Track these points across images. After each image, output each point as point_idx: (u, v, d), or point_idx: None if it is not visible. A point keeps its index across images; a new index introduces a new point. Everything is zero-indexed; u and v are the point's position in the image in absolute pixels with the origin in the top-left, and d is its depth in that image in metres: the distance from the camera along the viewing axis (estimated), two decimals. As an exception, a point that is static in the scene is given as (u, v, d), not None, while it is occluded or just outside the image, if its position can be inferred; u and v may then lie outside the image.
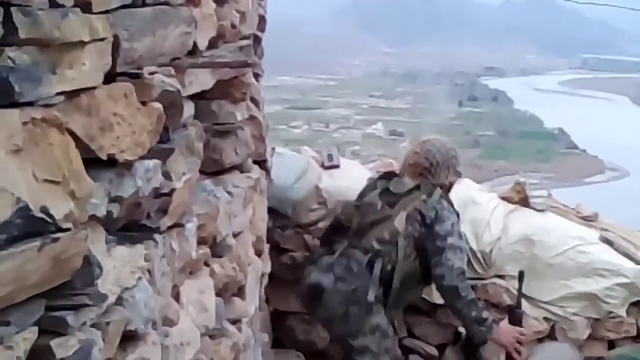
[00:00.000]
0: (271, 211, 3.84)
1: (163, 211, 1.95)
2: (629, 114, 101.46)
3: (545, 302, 4.16)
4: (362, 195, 3.70)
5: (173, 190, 1.99)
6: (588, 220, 4.50)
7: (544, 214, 4.40)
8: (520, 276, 3.71)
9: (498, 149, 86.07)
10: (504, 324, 3.65)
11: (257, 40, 3.17)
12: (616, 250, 4.25)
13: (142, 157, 1.72)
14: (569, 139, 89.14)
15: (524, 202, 4.43)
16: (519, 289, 3.71)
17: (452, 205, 3.61)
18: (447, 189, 3.70)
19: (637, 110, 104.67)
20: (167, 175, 1.95)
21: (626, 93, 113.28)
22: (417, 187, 3.56)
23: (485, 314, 3.48)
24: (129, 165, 1.65)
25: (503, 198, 4.48)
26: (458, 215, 3.63)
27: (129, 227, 1.77)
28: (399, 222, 3.43)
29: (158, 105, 1.77)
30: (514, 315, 3.66)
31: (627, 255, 4.22)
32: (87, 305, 1.46)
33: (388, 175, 3.74)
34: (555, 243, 4.19)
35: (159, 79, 1.79)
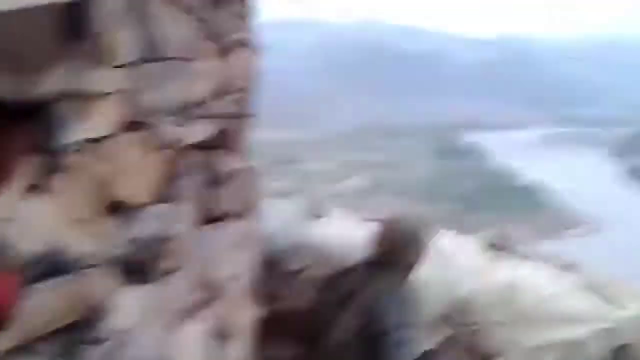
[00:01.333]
0: (262, 259, 3.91)
1: (165, 255, 2.04)
2: (606, 168, 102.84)
3: (528, 350, 4.22)
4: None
5: (175, 235, 2.08)
6: (568, 267, 4.60)
7: (526, 262, 4.50)
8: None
9: (478, 203, 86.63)
10: None
11: (249, 93, 3.30)
12: (597, 296, 4.34)
13: (151, 203, 1.81)
14: (548, 193, 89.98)
15: (507, 250, 4.54)
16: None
17: (405, 291, 3.51)
18: (409, 268, 3.63)
19: (614, 164, 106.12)
20: (171, 221, 2.05)
21: (603, 146, 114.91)
22: (360, 286, 3.51)
23: None
24: (139, 209, 1.75)
25: (485, 246, 4.59)
26: (411, 297, 3.53)
27: (137, 269, 1.86)
28: (347, 325, 3.45)
29: (167, 153, 1.87)
30: None
31: (607, 300, 4.31)
32: (102, 340, 1.54)
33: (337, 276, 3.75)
34: (536, 291, 4.28)
35: (167, 129, 1.90)
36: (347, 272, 3.64)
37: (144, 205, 1.75)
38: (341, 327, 3.44)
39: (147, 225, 1.76)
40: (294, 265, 4.25)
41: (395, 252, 3.51)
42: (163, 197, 1.91)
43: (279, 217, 4.25)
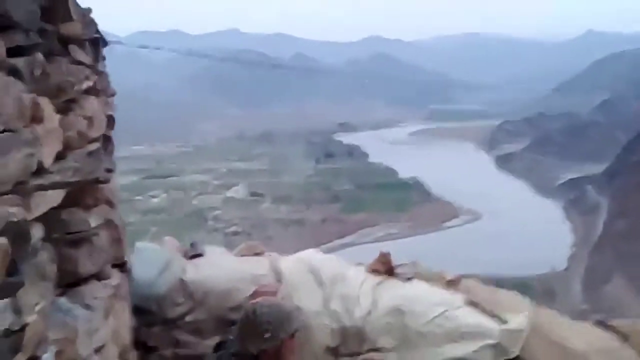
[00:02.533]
0: (136, 309, 3.67)
1: (15, 350, 1.79)
2: (476, 159, 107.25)
3: (422, 371, 4.17)
4: None
5: (25, 325, 1.83)
6: (452, 284, 4.59)
7: (410, 282, 4.45)
8: None
9: (357, 202, 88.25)
10: None
11: (107, 139, 3.05)
12: (480, 311, 4.34)
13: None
14: (423, 187, 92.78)
15: (391, 272, 4.47)
16: None
17: None
18: (268, 354, 3.46)
19: (482, 155, 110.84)
20: (17, 311, 1.80)
21: (471, 139, 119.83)
22: None
23: None
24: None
25: (370, 270, 4.50)
26: None
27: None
28: None
29: (3, 241, 1.63)
30: None
31: (491, 315, 4.32)
32: None
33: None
34: (424, 311, 4.23)
35: (3, 211, 1.66)
36: None
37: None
38: None
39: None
40: (172, 313, 4.00)
41: (250, 340, 3.32)
42: (3, 289, 1.66)
43: (153, 263, 3.99)
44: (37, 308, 1.93)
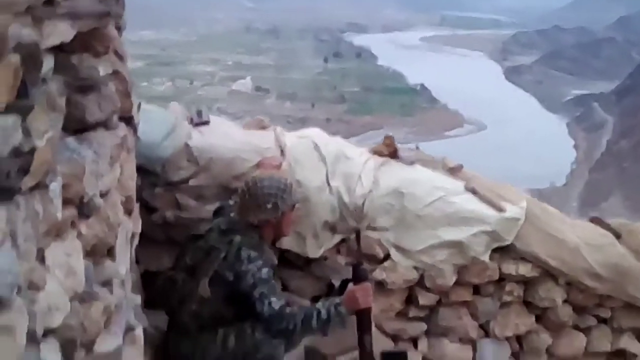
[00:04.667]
0: (139, 169, 3.70)
1: (24, 171, 1.81)
2: (486, 69, 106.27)
3: (415, 252, 4.27)
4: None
5: (34, 148, 1.85)
6: (454, 171, 4.63)
7: (412, 166, 4.49)
8: (358, 235, 3.84)
9: (363, 104, 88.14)
10: (350, 287, 3.60)
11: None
12: (479, 199, 4.41)
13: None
14: (430, 93, 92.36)
15: (394, 155, 4.51)
16: (359, 247, 3.79)
17: (257, 247, 3.50)
18: (270, 224, 3.57)
19: (493, 65, 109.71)
20: (27, 133, 1.81)
21: (482, 49, 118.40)
22: (216, 247, 3.47)
23: (323, 313, 3.34)
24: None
25: (374, 152, 4.54)
26: (265, 253, 3.56)
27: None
28: (203, 289, 3.39)
29: (15, 58, 1.63)
30: (359, 272, 3.66)
31: (489, 203, 4.38)
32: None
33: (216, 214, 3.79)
34: (423, 195, 4.29)
35: (15, 30, 1.65)
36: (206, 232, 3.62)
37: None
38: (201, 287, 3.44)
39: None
40: (175, 176, 4.05)
41: (252, 210, 3.49)
42: (14, 108, 1.67)
43: (159, 125, 4.00)
44: (47, 136, 1.94)
